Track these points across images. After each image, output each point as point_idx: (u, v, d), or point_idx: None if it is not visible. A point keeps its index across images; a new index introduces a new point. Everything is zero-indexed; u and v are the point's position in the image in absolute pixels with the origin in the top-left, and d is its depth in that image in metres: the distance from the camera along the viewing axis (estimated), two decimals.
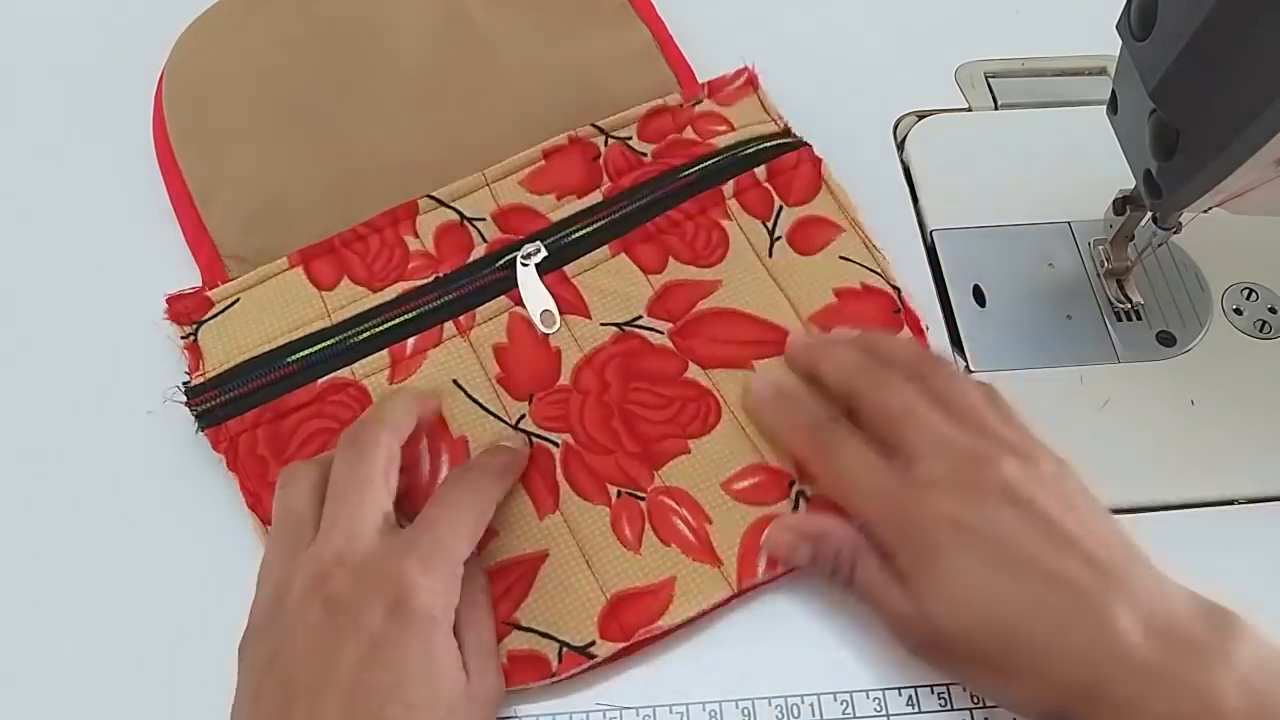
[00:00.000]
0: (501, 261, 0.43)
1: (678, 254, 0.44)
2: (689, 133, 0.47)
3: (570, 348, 0.42)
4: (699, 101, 0.49)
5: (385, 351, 0.42)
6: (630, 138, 0.47)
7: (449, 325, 0.42)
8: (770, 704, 0.36)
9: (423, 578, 0.32)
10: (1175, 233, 0.41)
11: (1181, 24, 0.32)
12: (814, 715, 0.36)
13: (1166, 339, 0.44)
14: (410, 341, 0.42)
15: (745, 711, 0.36)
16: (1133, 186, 0.41)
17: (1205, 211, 0.38)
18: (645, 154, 0.47)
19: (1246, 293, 0.45)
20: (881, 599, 0.35)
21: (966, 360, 0.44)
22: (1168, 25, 0.33)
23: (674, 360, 0.42)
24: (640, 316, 0.43)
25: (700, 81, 0.50)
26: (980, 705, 0.36)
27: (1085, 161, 0.44)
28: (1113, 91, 0.39)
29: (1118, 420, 0.42)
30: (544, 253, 0.43)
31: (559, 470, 0.40)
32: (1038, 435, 0.36)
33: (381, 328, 0.42)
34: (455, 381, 0.41)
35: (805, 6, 0.56)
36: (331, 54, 0.49)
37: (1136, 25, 0.35)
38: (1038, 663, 0.31)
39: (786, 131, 0.48)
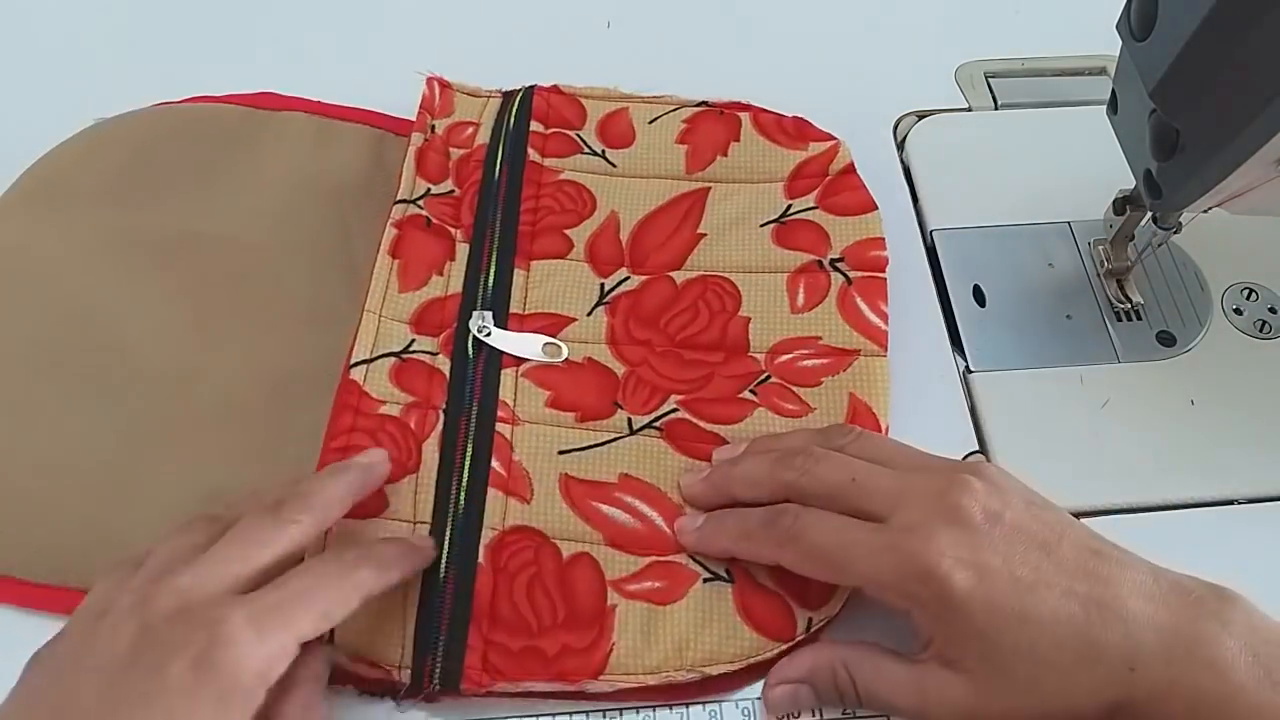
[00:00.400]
0: (471, 358, 0.42)
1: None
2: None
3: (590, 347, 0.42)
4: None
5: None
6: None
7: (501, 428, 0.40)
8: None
9: (244, 633, 0.28)
10: (1175, 233, 0.41)
11: (1181, 24, 0.32)
12: (814, 715, 0.36)
13: (1166, 339, 0.44)
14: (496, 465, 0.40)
15: (745, 711, 0.36)
16: (1133, 186, 0.41)
17: (1205, 211, 0.38)
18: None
19: (1246, 293, 0.45)
20: (903, 680, 0.34)
21: (967, 360, 0.44)
22: (1168, 25, 0.33)
23: (667, 284, 0.44)
24: (604, 284, 0.44)
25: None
26: None
27: (1085, 161, 0.44)
28: (1113, 91, 0.39)
29: (1118, 420, 0.42)
30: (487, 314, 0.42)
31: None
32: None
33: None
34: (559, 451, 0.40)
35: (805, 6, 0.56)
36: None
37: (1136, 25, 0.35)
38: (1066, 683, 0.31)
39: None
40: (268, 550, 0.31)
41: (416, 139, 0.47)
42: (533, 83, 0.50)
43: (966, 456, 0.41)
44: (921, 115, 0.51)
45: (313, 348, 0.43)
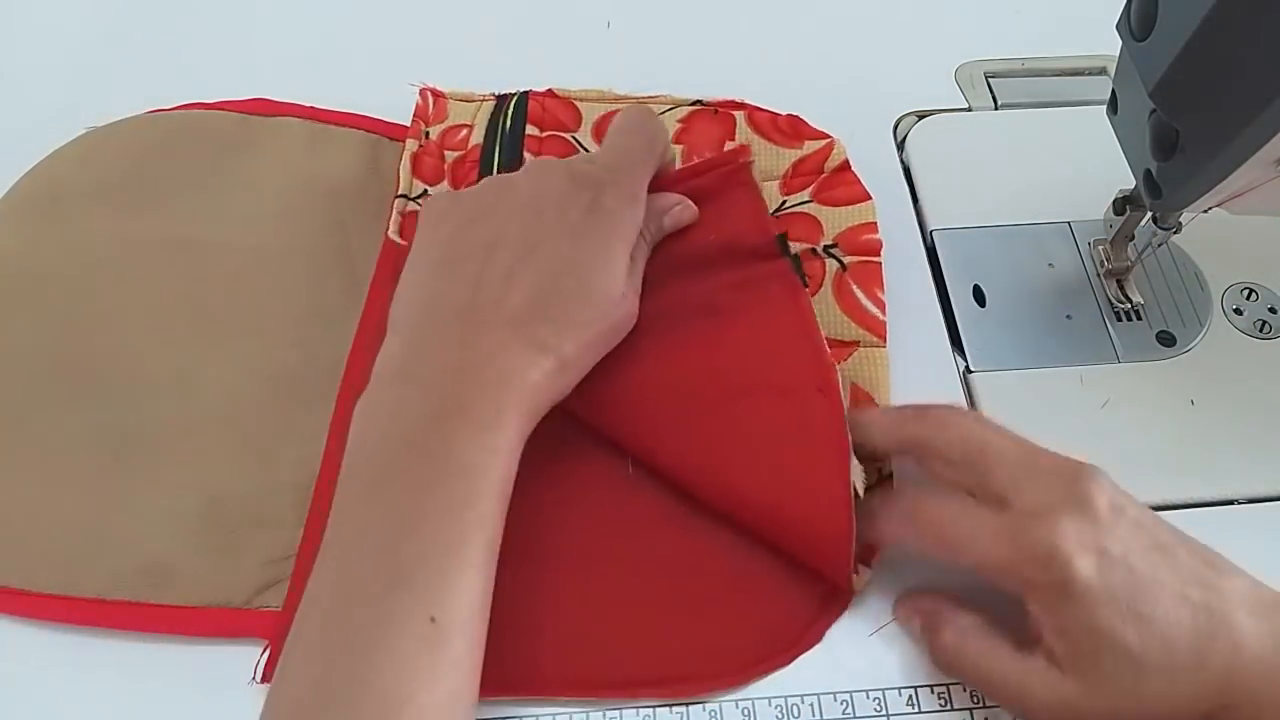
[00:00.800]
0: None
1: None
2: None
3: None
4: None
5: None
6: None
7: None
8: (770, 704, 0.36)
9: (612, 186, 0.39)
10: (1175, 233, 0.41)
11: (1181, 24, 0.32)
12: (814, 715, 0.36)
13: (1166, 339, 0.44)
14: None
15: (745, 711, 0.36)
16: (1133, 186, 0.41)
17: (1205, 211, 0.38)
18: None
19: (1246, 293, 0.45)
20: (1009, 671, 0.34)
21: (967, 360, 0.44)
22: (1168, 25, 0.33)
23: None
24: None
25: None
26: (980, 705, 0.36)
27: (1085, 161, 0.44)
28: (1113, 91, 0.39)
29: (1118, 420, 0.42)
30: None
31: None
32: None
33: None
34: None
35: (806, 6, 0.56)
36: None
37: (1136, 25, 0.35)
38: (1170, 688, 0.31)
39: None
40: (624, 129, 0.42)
41: (411, 145, 0.48)
42: (533, 82, 0.50)
43: None
44: (921, 115, 0.51)
45: (313, 349, 0.43)
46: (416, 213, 0.45)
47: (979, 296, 0.45)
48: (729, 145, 0.48)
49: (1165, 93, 0.34)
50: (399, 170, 0.47)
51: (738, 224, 0.43)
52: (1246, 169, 0.34)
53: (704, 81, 0.51)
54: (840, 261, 0.44)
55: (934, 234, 0.47)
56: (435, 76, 0.51)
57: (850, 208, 0.46)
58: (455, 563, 0.31)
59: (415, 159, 0.48)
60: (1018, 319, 0.45)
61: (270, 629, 0.36)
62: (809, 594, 0.37)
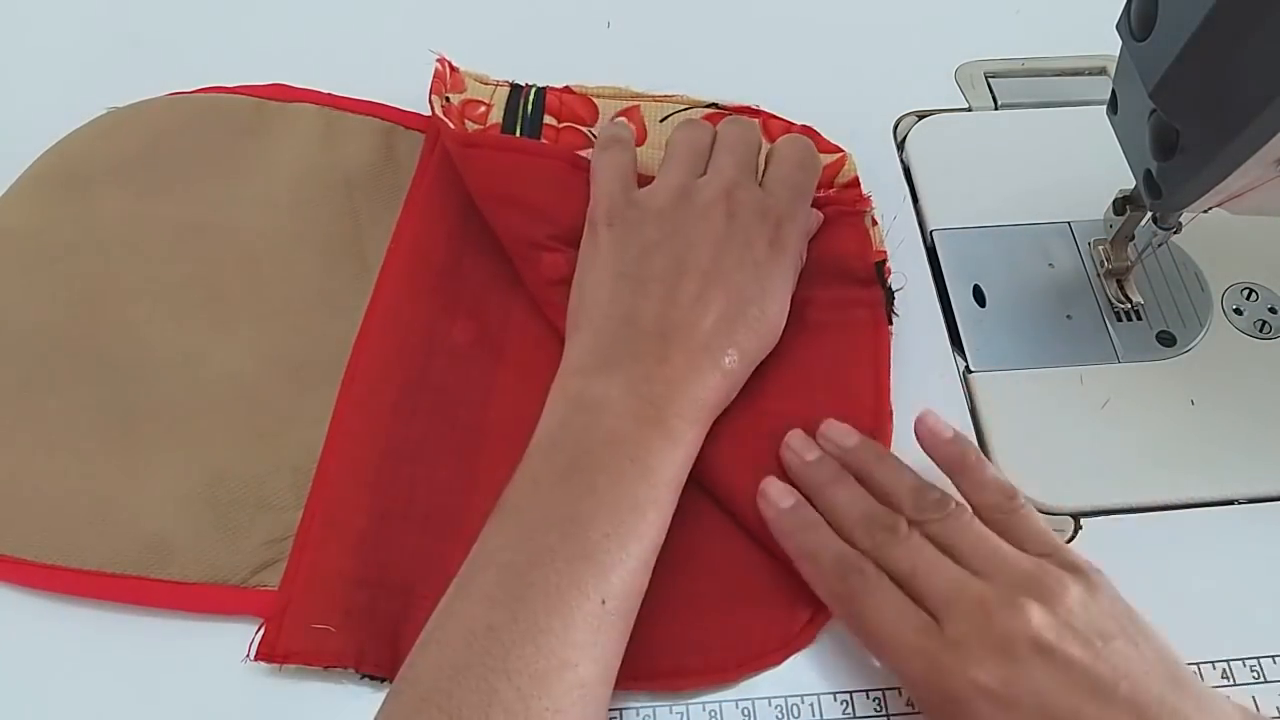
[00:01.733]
0: None
1: None
2: None
3: None
4: None
5: None
6: None
7: None
8: (770, 704, 0.36)
9: (789, 224, 0.42)
10: (1175, 233, 0.41)
11: (1181, 24, 0.32)
12: (814, 715, 0.36)
13: (1166, 339, 0.44)
14: None
15: (745, 711, 0.36)
16: (1133, 186, 0.41)
17: (1205, 211, 0.38)
18: None
19: (1246, 293, 0.45)
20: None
21: (967, 360, 0.44)
22: (1168, 25, 0.33)
23: None
24: None
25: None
26: None
27: (1085, 161, 0.44)
28: (1113, 91, 0.39)
29: (1118, 420, 0.42)
30: None
31: None
32: (1053, 537, 0.35)
33: None
34: None
35: (806, 6, 0.56)
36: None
37: (1136, 25, 0.35)
38: None
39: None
40: (755, 147, 0.45)
41: (436, 103, 0.47)
42: (533, 81, 0.50)
43: None
44: (921, 115, 0.51)
45: (322, 335, 0.43)
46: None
47: (979, 296, 0.45)
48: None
49: (1165, 93, 0.34)
50: (431, 109, 0.46)
51: (845, 247, 0.45)
52: (1246, 169, 0.34)
53: (704, 81, 0.51)
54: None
55: (934, 234, 0.47)
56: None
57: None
58: (633, 554, 0.34)
59: (446, 112, 0.47)
60: (1018, 319, 0.45)
61: (266, 608, 0.37)
62: (805, 595, 0.37)
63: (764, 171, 0.44)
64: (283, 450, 0.40)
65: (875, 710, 0.36)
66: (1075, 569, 0.34)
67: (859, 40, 0.54)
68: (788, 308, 0.41)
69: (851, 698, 0.36)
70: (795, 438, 0.39)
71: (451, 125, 0.46)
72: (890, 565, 0.35)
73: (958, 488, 0.37)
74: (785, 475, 0.39)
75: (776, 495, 0.38)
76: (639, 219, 0.41)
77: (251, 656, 0.36)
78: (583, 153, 0.46)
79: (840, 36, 0.55)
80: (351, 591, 0.37)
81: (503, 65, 0.51)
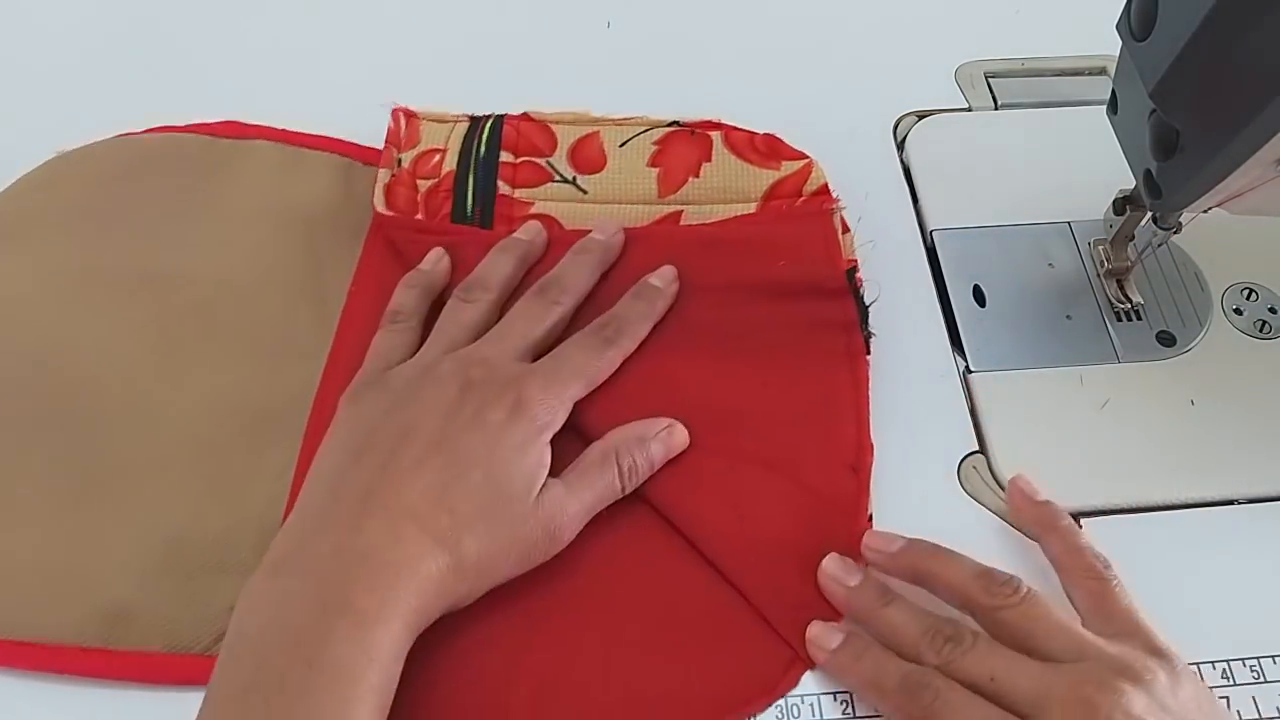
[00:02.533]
0: None
1: None
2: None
3: None
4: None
5: None
6: None
7: None
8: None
9: (539, 394, 0.37)
10: (1175, 233, 0.41)
11: (1181, 24, 0.32)
12: (814, 715, 0.36)
13: (1166, 339, 0.44)
14: None
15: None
16: (1133, 186, 0.41)
17: (1205, 211, 0.38)
18: None
19: (1246, 293, 0.45)
20: None
21: (967, 360, 0.44)
22: (1168, 25, 0.33)
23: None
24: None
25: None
26: None
27: (1085, 161, 0.44)
28: (1113, 91, 0.39)
29: (1118, 420, 0.42)
30: None
31: None
32: (1141, 616, 0.34)
33: None
34: None
35: (806, 6, 0.56)
36: None
37: (1136, 25, 0.35)
38: None
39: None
40: (540, 327, 0.40)
41: (383, 175, 0.46)
42: (533, 82, 0.50)
43: (966, 457, 0.41)
44: (921, 115, 0.51)
45: (283, 382, 0.42)
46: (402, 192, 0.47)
47: (979, 296, 0.45)
48: (705, 167, 0.47)
49: (1165, 93, 0.34)
50: (373, 202, 0.46)
51: (811, 253, 0.43)
52: (1246, 169, 0.34)
53: (704, 81, 0.51)
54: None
55: (934, 234, 0.47)
56: (434, 75, 0.51)
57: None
58: None
59: (389, 190, 0.46)
60: (1018, 319, 0.45)
61: None
62: (781, 640, 0.36)
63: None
64: (245, 508, 0.39)
65: (875, 710, 0.36)
66: (1161, 654, 0.32)
67: (859, 40, 0.54)
68: (534, 483, 0.36)
69: (852, 698, 0.36)
70: (831, 563, 0.36)
71: (390, 213, 0.45)
72: (964, 676, 0.32)
73: (1047, 553, 0.37)
74: (774, 524, 0.37)
75: (823, 637, 0.35)
76: (378, 395, 0.38)
77: None
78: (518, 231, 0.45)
79: (840, 36, 0.55)
80: None
81: (502, 65, 0.51)
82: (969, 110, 0.52)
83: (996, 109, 0.52)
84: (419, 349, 0.41)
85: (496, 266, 0.43)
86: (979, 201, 0.48)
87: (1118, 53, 0.37)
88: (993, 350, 0.44)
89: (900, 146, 0.51)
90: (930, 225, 0.48)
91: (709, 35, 0.55)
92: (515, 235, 0.44)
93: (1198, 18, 0.31)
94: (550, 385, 0.38)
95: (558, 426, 0.38)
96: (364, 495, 0.34)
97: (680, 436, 0.39)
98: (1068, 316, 0.45)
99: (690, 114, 0.50)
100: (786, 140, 0.48)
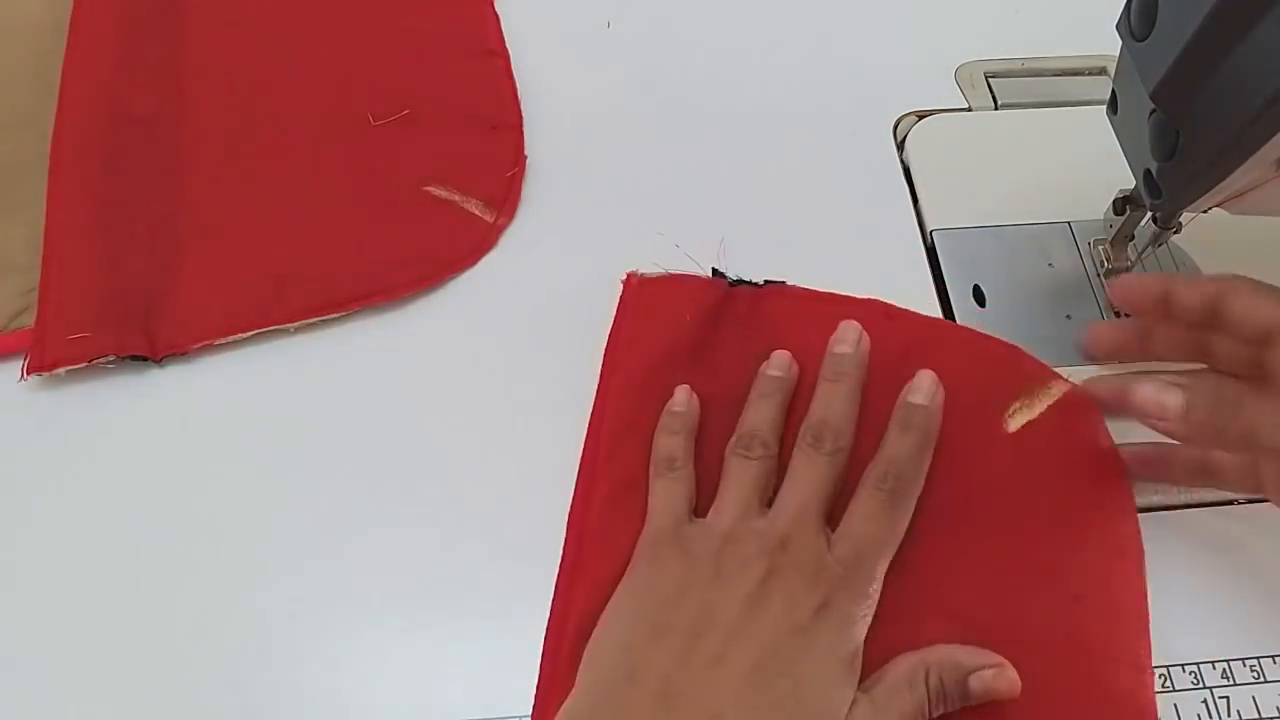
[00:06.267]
0: None
1: None
2: None
3: None
4: None
5: None
6: None
7: None
8: None
9: (846, 589, 0.35)
10: (1175, 233, 0.41)
11: (1181, 24, 0.32)
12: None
13: None
14: None
15: None
16: (1133, 186, 0.41)
17: (1205, 211, 0.38)
18: None
19: None
20: None
21: None
22: (1168, 25, 0.33)
23: None
24: None
25: None
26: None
27: (1085, 161, 0.44)
28: (1113, 91, 0.39)
29: (1117, 420, 0.42)
30: None
31: None
32: None
33: None
34: None
35: (806, 6, 0.56)
36: None
37: (1136, 25, 0.35)
38: None
39: None
40: (828, 486, 0.37)
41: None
42: (531, 83, 0.51)
43: None
44: (921, 115, 0.51)
45: (19, 140, 0.48)
46: None
47: (979, 296, 0.45)
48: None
49: (1165, 93, 0.34)
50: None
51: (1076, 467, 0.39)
52: (1246, 169, 0.34)
53: (704, 81, 0.51)
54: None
55: (934, 234, 0.47)
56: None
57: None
58: None
59: None
60: (1018, 319, 0.45)
61: (29, 339, 0.43)
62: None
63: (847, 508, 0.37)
64: (11, 229, 0.46)
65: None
66: None
67: (859, 40, 0.54)
68: (844, 696, 0.33)
69: None
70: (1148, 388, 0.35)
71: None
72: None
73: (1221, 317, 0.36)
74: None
75: (1147, 394, 0.35)
76: (677, 560, 0.36)
77: (26, 374, 0.42)
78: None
79: (840, 36, 0.55)
80: (98, 306, 0.43)
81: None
82: (969, 110, 0.52)
83: (996, 109, 0.52)
84: (694, 493, 0.38)
85: (764, 415, 0.39)
86: (979, 201, 0.48)
87: (1118, 53, 0.37)
88: None
89: (900, 146, 0.51)
90: (930, 225, 0.48)
91: (709, 36, 0.55)
92: (770, 374, 0.40)
93: (1198, 18, 0.31)
94: (856, 577, 0.35)
95: (869, 622, 0.35)
96: (664, 689, 0.33)
97: (1008, 683, 0.34)
98: (1068, 316, 0.45)
99: (691, 113, 0.50)
100: (785, 141, 0.48)
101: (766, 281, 0.43)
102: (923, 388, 0.39)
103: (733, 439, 0.39)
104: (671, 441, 0.39)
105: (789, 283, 0.43)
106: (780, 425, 0.39)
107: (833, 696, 0.33)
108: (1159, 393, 0.35)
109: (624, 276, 0.44)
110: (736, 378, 0.41)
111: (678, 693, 0.32)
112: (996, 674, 0.34)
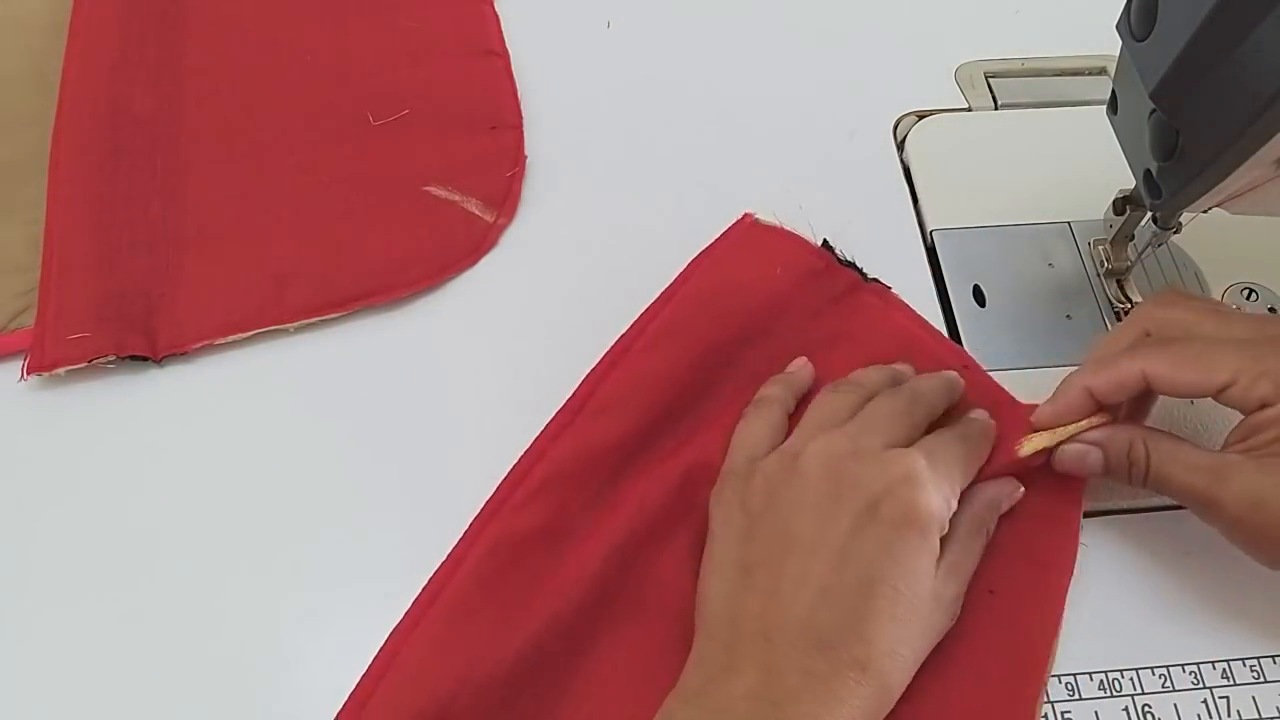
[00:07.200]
0: None
1: None
2: None
3: None
4: None
5: None
6: None
7: None
8: None
9: (930, 483, 0.34)
10: (1175, 233, 0.41)
11: (1181, 24, 0.32)
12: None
13: None
14: None
15: None
16: (1133, 186, 0.41)
17: (1205, 211, 0.38)
18: None
19: (1246, 293, 0.45)
20: (1202, 464, 0.35)
21: None
22: (1168, 25, 0.33)
23: None
24: None
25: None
26: None
27: (1085, 161, 0.44)
28: (1113, 91, 0.39)
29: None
30: None
31: None
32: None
33: None
34: None
35: (805, 6, 0.56)
36: None
37: (1136, 25, 0.35)
38: None
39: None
40: (906, 424, 0.37)
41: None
42: (531, 83, 0.51)
43: None
44: (921, 115, 0.51)
45: (21, 139, 0.48)
46: None
47: (979, 296, 0.45)
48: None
49: (1165, 93, 0.34)
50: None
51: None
52: (1246, 169, 0.34)
53: (703, 81, 0.51)
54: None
55: (934, 234, 0.47)
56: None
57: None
58: None
59: None
60: (1018, 319, 0.45)
61: (29, 339, 0.43)
62: None
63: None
64: (12, 229, 0.46)
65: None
66: None
67: (859, 40, 0.54)
68: (930, 582, 0.34)
69: None
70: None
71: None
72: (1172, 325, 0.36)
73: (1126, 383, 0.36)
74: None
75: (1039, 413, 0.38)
76: (746, 492, 0.36)
77: (26, 374, 0.42)
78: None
79: (840, 36, 0.55)
80: (98, 306, 0.43)
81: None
82: (969, 110, 0.52)
83: (996, 109, 0.52)
84: (780, 431, 0.39)
85: (870, 373, 0.40)
86: (979, 201, 0.48)
87: (1118, 53, 0.37)
88: (993, 350, 0.44)
89: (900, 146, 0.51)
90: (930, 225, 0.48)
91: (709, 36, 0.55)
92: (897, 367, 0.41)
93: (1198, 18, 0.31)
94: (935, 471, 0.35)
95: (948, 520, 0.35)
96: (764, 630, 0.33)
97: (1020, 491, 0.38)
98: (1068, 316, 0.45)
99: (687, 113, 0.50)
100: (785, 141, 0.48)
101: (874, 279, 0.44)
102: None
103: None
104: (770, 388, 0.40)
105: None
106: (881, 389, 0.39)
107: (926, 585, 0.34)
108: (1081, 456, 0.37)
109: (741, 215, 0.45)
110: (788, 345, 0.42)
111: (779, 630, 0.32)
112: (1014, 488, 0.38)
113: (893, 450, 0.35)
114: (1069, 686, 0.36)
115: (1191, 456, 0.35)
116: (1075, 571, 0.38)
